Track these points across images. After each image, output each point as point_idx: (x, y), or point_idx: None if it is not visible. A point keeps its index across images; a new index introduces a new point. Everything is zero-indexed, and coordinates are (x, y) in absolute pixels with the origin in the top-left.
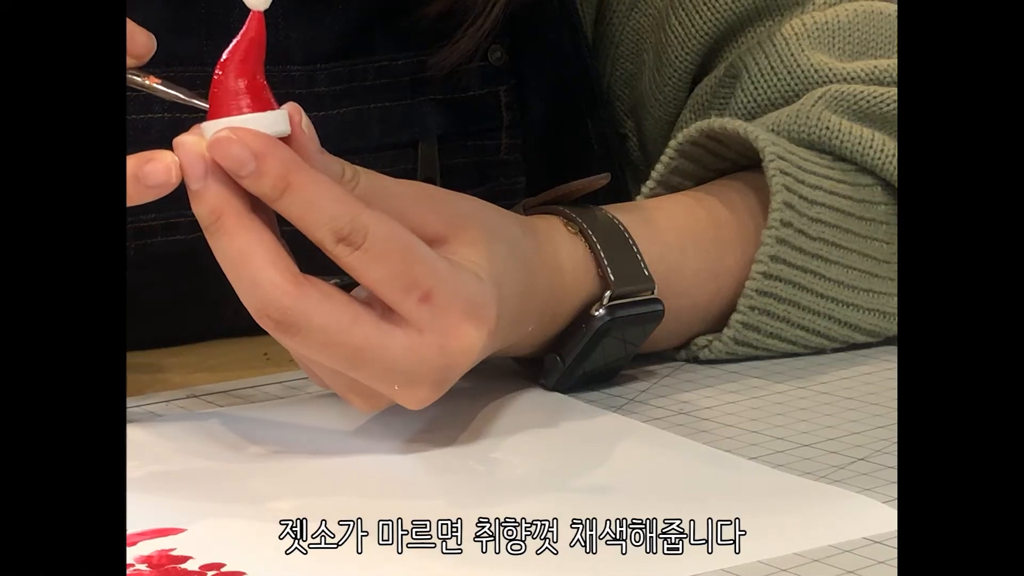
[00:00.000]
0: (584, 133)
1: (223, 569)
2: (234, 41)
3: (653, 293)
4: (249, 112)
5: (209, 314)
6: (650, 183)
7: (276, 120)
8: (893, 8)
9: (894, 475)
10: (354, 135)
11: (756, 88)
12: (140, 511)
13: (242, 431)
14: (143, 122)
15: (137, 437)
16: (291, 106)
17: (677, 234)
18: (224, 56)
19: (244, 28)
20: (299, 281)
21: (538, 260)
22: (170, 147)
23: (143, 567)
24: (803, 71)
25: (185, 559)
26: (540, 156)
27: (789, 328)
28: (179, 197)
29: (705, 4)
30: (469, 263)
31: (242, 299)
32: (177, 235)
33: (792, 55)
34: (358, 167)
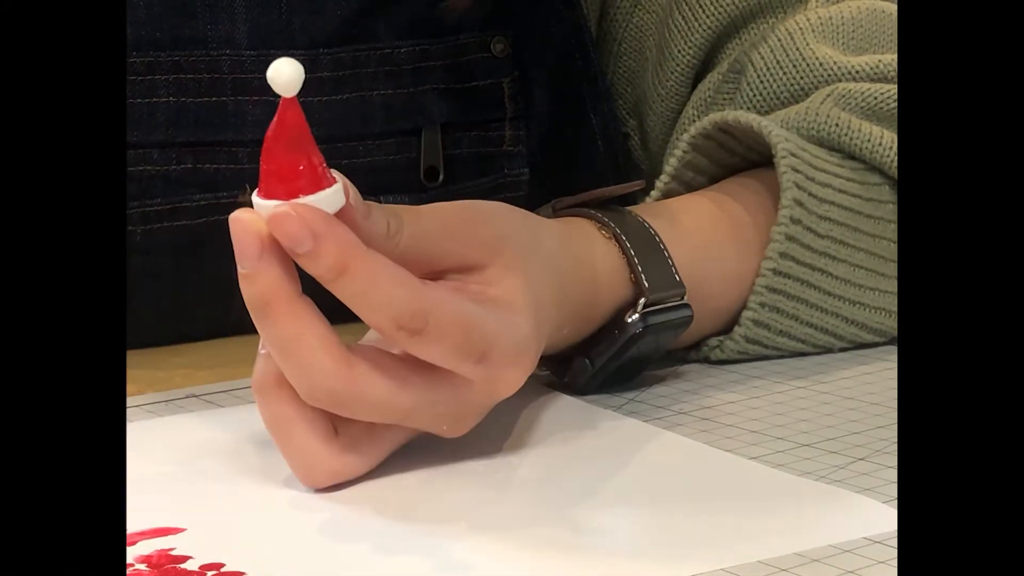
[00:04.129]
0: (588, 127)
1: (223, 569)
2: (272, 123)
3: (683, 298)
4: (303, 195)
5: (219, 308)
6: (664, 177)
7: (330, 198)
8: (894, 8)
9: (894, 475)
10: (357, 121)
11: (762, 82)
12: (140, 511)
13: (242, 431)
14: (148, 106)
15: (137, 437)
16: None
17: (703, 238)
18: (266, 135)
19: (277, 113)
20: (349, 362)
21: (573, 267)
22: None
23: (143, 567)
24: (808, 64)
25: (185, 559)
26: (544, 149)
27: (798, 326)
28: (186, 182)
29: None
30: (509, 294)
31: (291, 381)
32: (183, 220)
33: (797, 49)
34: (399, 211)
